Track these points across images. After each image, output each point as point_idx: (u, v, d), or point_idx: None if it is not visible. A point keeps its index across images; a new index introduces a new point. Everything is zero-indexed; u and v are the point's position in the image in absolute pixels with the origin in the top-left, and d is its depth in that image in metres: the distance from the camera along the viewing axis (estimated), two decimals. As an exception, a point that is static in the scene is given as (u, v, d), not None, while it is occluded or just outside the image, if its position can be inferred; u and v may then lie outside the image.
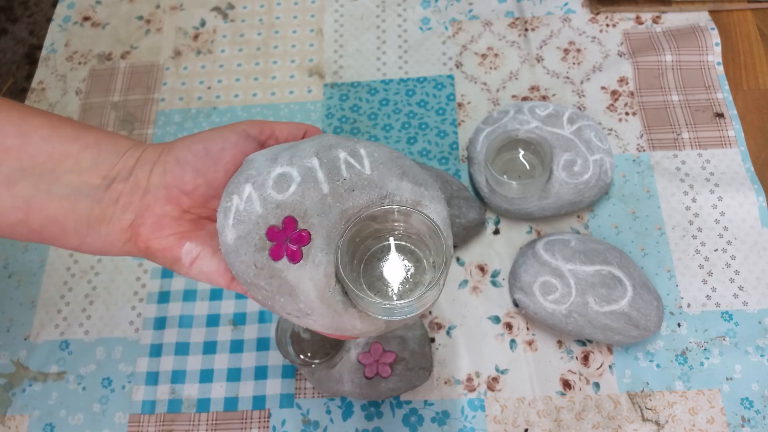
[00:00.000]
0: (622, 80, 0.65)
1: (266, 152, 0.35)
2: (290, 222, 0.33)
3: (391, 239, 0.35)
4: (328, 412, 0.53)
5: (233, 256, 0.34)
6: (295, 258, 0.32)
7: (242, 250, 0.33)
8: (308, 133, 0.39)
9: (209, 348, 0.57)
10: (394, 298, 0.34)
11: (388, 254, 0.35)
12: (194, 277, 0.36)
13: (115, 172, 0.35)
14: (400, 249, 0.35)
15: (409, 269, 0.35)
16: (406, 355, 0.50)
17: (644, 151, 0.61)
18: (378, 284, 0.34)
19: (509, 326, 0.55)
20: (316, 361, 0.50)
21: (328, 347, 0.52)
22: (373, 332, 0.34)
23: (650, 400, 0.52)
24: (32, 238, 0.36)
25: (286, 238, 0.33)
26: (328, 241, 0.32)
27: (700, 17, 0.68)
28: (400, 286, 0.34)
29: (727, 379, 0.52)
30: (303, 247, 0.32)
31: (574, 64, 0.67)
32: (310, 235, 0.33)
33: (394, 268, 0.35)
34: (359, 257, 0.35)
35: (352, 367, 0.50)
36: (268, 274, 0.33)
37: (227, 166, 0.36)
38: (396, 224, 0.35)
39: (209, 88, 0.70)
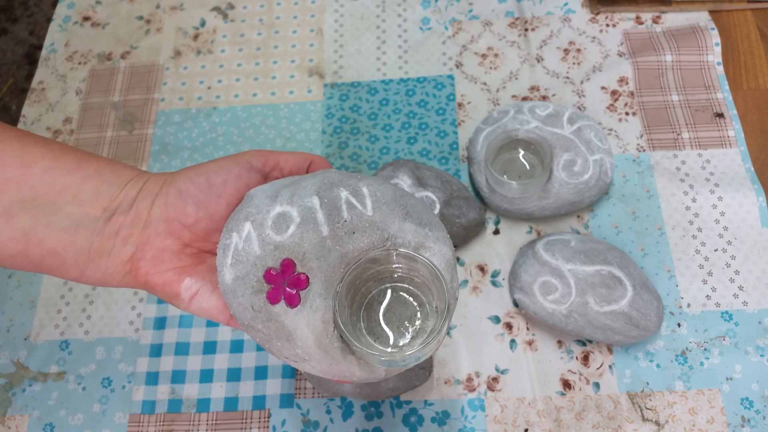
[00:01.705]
0: (622, 80, 0.65)
1: (267, 188, 0.35)
2: (288, 265, 0.32)
3: (392, 284, 0.34)
4: (328, 412, 0.53)
5: (231, 296, 0.33)
6: (292, 302, 0.32)
7: (240, 292, 0.33)
8: (314, 164, 0.38)
9: (209, 348, 0.57)
10: (395, 344, 0.33)
11: (389, 298, 0.34)
12: (193, 312, 0.36)
13: (117, 203, 0.34)
14: (401, 293, 0.34)
15: (410, 315, 0.34)
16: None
17: (644, 151, 0.61)
18: (378, 329, 0.33)
19: (509, 326, 0.55)
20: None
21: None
22: (373, 379, 0.33)
23: (650, 400, 0.52)
24: (31, 269, 0.35)
25: (284, 282, 0.32)
26: (327, 285, 0.32)
27: (700, 17, 0.68)
28: (402, 331, 0.33)
29: (727, 379, 0.52)
30: (301, 292, 0.32)
31: (574, 64, 0.67)
32: (308, 279, 0.32)
33: (395, 314, 0.34)
34: (359, 301, 0.34)
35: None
36: (265, 317, 0.32)
37: (230, 199, 0.35)
38: (398, 267, 0.34)
39: (209, 88, 0.70)
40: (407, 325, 0.33)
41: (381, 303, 0.34)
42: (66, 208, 0.34)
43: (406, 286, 0.34)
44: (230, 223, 0.34)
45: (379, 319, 0.34)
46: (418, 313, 0.34)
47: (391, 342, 0.33)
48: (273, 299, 0.32)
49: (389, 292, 0.34)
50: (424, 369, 0.52)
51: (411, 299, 0.34)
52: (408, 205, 0.34)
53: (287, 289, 0.32)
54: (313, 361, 0.32)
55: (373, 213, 0.33)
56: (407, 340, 0.33)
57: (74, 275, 0.35)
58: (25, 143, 0.35)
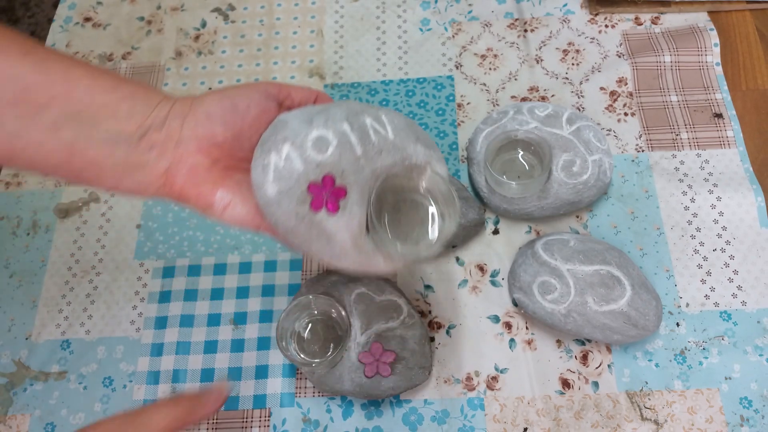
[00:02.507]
0: (621, 81, 0.65)
1: (299, 114, 0.39)
2: (329, 179, 0.38)
3: (410, 195, 0.42)
4: (329, 411, 0.54)
5: (275, 207, 0.38)
6: (333, 209, 0.37)
7: (284, 202, 0.37)
8: (319, 98, 0.43)
9: (210, 347, 0.57)
10: (414, 242, 0.41)
11: (405, 203, 0.41)
12: (226, 220, 0.40)
13: (149, 122, 0.38)
14: (418, 202, 0.42)
15: (423, 218, 0.41)
16: (406, 355, 0.51)
17: (643, 151, 0.62)
18: (400, 230, 0.41)
19: (508, 326, 0.56)
20: (317, 360, 0.50)
21: (329, 346, 0.52)
22: (394, 271, 0.44)
23: (649, 399, 0.52)
24: (71, 179, 0.40)
25: (326, 193, 0.38)
26: (362, 195, 0.38)
27: (699, 18, 0.68)
28: (416, 230, 0.41)
29: (725, 378, 0.52)
30: (340, 201, 0.38)
31: (573, 64, 0.67)
32: (346, 190, 0.38)
33: (413, 218, 0.41)
34: (386, 209, 0.40)
35: (352, 367, 0.50)
36: (308, 223, 0.38)
37: (252, 121, 0.39)
38: (415, 181, 0.41)
39: (210, 88, 0.70)
40: (422, 226, 0.41)
41: (401, 212, 0.41)
42: (105, 123, 0.37)
43: (420, 198, 0.42)
44: (267, 145, 0.38)
45: (401, 222, 0.41)
46: (431, 218, 0.41)
47: (411, 240, 0.41)
48: (316, 207, 0.37)
49: (409, 202, 0.42)
50: (424, 368, 0.52)
51: (424, 208, 0.42)
52: (417, 132, 0.41)
53: (330, 198, 0.38)
54: (349, 258, 0.39)
55: (394, 137, 0.39)
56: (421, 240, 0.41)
57: (111, 184, 0.39)
58: (68, 64, 0.38)
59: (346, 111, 0.39)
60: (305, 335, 0.53)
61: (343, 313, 0.51)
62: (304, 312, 0.53)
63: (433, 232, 0.41)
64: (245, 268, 0.60)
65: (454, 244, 0.58)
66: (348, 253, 0.39)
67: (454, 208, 0.40)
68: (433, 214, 0.41)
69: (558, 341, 0.54)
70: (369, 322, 0.51)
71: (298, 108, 0.41)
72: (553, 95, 0.65)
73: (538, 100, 0.65)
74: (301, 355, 0.51)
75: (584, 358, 0.54)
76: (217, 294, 0.59)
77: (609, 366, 0.53)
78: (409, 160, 0.39)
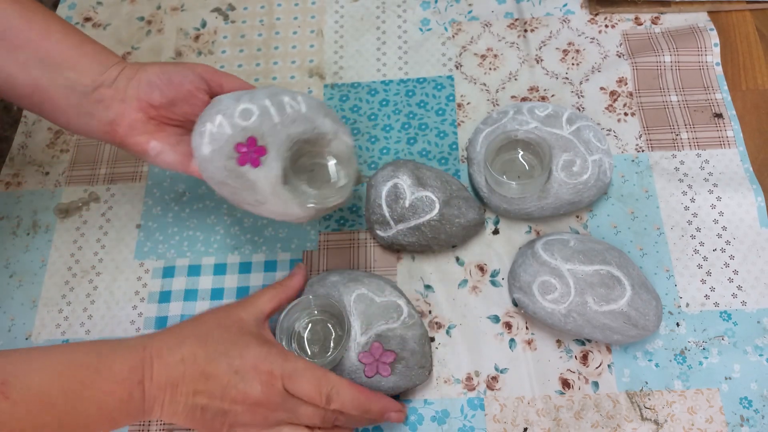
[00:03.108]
0: (621, 81, 0.65)
1: (230, 95, 0.49)
2: (252, 140, 0.47)
3: (318, 159, 0.52)
4: (328, 411, 0.54)
5: (208, 163, 0.47)
6: (255, 164, 0.47)
7: (216, 159, 0.47)
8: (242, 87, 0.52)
9: (210, 347, 0.57)
10: (320, 193, 0.51)
11: (317, 166, 0.52)
12: (158, 164, 0.50)
13: (102, 79, 0.47)
14: (323, 164, 0.52)
15: (329, 177, 0.52)
16: (406, 355, 0.51)
17: (643, 151, 0.62)
18: (311, 184, 0.51)
19: (508, 326, 0.56)
20: (317, 360, 0.50)
21: (329, 346, 0.52)
22: (307, 218, 0.49)
23: (649, 399, 0.52)
24: (32, 110, 0.50)
25: (250, 151, 0.47)
26: (279, 153, 0.48)
27: (699, 18, 0.68)
28: (324, 186, 0.51)
29: (725, 378, 0.52)
30: (261, 157, 0.47)
31: (573, 64, 0.67)
32: (266, 149, 0.47)
33: (319, 175, 0.52)
34: (300, 167, 0.51)
35: (352, 367, 0.50)
36: (235, 175, 0.47)
37: (184, 94, 0.49)
38: (322, 145, 0.51)
39: (210, 88, 0.70)
40: (327, 182, 0.51)
41: (311, 170, 0.52)
42: (66, 72, 0.47)
43: (326, 161, 0.52)
44: (203, 117, 0.48)
45: (310, 178, 0.51)
46: (335, 175, 0.52)
47: (317, 190, 0.51)
48: (242, 162, 0.47)
49: (317, 163, 0.52)
50: (424, 368, 0.52)
51: (328, 168, 0.52)
52: (327, 110, 0.51)
53: (252, 155, 0.47)
54: (269, 204, 0.48)
55: (306, 110, 0.49)
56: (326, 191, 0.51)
57: (63, 122, 0.49)
58: (48, 17, 0.48)
59: (269, 92, 0.49)
60: (305, 335, 0.53)
61: (344, 313, 0.51)
62: (304, 312, 0.53)
63: (335, 184, 0.51)
64: (245, 268, 0.60)
65: (454, 243, 0.58)
66: (268, 198, 0.48)
67: (354, 167, 0.51)
68: (337, 171, 0.52)
69: (558, 341, 0.54)
70: (369, 322, 0.51)
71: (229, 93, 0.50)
72: (553, 95, 0.65)
73: (538, 100, 0.65)
74: (301, 355, 0.51)
75: (584, 358, 0.54)
76: (217, 294, 0.59)
77: (609, 366, 0.53)
78: (318, 129, 0.49)
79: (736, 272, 0.56)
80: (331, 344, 0.52)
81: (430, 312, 0.57)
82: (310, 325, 0.53)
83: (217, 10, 0.75)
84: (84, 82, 0.47)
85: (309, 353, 0.52)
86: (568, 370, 0.53)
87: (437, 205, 0.55)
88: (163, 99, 0.48)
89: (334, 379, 0.46)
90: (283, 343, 0.50)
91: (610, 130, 0.63)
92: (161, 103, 0.48)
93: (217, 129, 0.47)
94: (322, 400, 0.45)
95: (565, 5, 0.71)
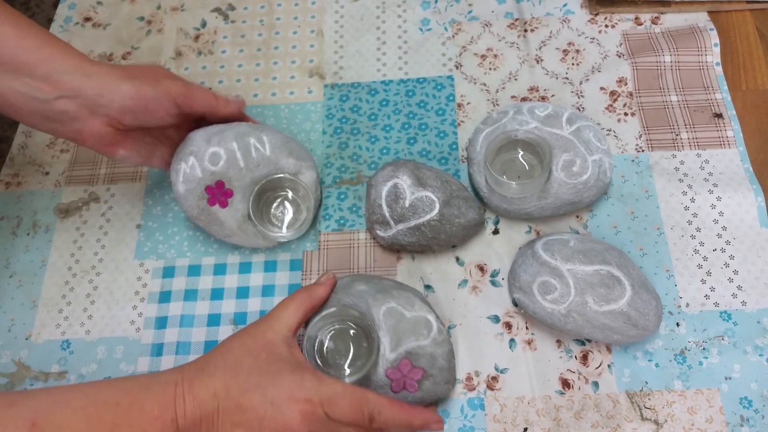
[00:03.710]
0: (621, 81, 0.65)
1: (202, 133, 0.56)
2: (220, 184, 0.55)
3: (282, 194, 0.59)
4: (328, 411, 0.54)
5: (184, 200, 0.55)
6: (223, 205, 0.55)
7: (190, 198, 0.55)
8: (219, 104, 0.56)
9: (210, 347, 0.57)
10: (281, 227, 0.59)
11: (279, 203, 0.59)
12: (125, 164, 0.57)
13: (64, 88, 0.46)
14: (285, 200, 0.59)
15: (289, 211, 0.59)
16: (434, 372, 0.50)
17: (643, 151, 0.62)
18: (274, 220, 0.59)
19: (508, 326, 0.56)
20: (346, 378, 0.49)
21: (350, 356, 0.51)
22: (268, 245, 0.58)
23: (649, 399, 0.52)
24: None
25: (218, 193, 0.55)
26: (244, 195, 0.56)
27: (699, 18, 0.68)
28: (288, 219, 0.59)
29: (725, 378, 0.52)
30: (228, 199, 0.55)
31: (573, 64, 0.67)
32: (232, 192, 0.56)
33: (282, 210, 0.59)
34: (263, 203, 0.58)
35: (379, 382, 0.50)
36: (206, 213, 0.56)
37: (156, 120, 0.51)
38: (283, 184, 0.58)
39: (210, 88, 0.70)
40: (289, 216, 0.59)
41: (275, 207, 0.59)
42: (23, 79, 0.45)
43: (290, 196, 0.59)
44: (179, 155, 0.55)
45: (274, 214, 0.59)
46: (296, 211, 0.59)
47: (280, 225, 0.59)
48: (211, 203, 0.55)
49: (280, 200, 0.59)
50: (449, 383, 0.51)
51: (291, 203, 0.59)
52: (291, 147, 0.58)
53: (220, 197, 0.55)
54: (236, 237, 0.57)
55: (270, 153, 0.57)
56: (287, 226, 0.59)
57: (30, 124, 0.48)
58: (4, 16, 0.45)
59: (235, 132, 0.56)
60: (327, 344, 0.52)
61: (374, 328, 0.50)
62: (328, 321, 0.52)
63: (294, 220, 0.59)
64: (245, 268, 0.60)
65: (454, 243, 0.58)
66: (235, 233, 0.56)
67: (310, 202, 0.58)
68: (298, 205, 0.59)
69: (558, 341, 0.54)
70: (399, 338, 0.50)
71: (202, 128, 0.56)
72: (553, 95, 0.65)
73: (538, 100, 0.65)
74: (328, 372, 0.50)
75: (584, 358, 0.54)
76: (217, 294, 0.59)
77: (609, 366, 0.53)
78: (281, 170, 0.57)
79: (736, 272, 0.56)
80: (357, 359, 0.51)
81: (430, 312, 0.57)
82: (332, 331, 0.52)
83: (217, 10, 0.75)
84: (44, 89, 0.45)
85: (331, 364, 0.51)
86: (568, 370, 0.53)
87: (437, 205, 0.55)
88: (135, 123, 0.50)
89: (374, 398, 0.44)
90: (306, 354, 0.48)
91: (610, 130, 0.63)
92: (131, 125, 0.50)
93: (190, 170, 0.54)
94: (365, 420, 0.43)
95: (565, 5, 0.71)
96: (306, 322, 0.50)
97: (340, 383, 0.44)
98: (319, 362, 0.50)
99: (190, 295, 0.59)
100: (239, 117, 0.59)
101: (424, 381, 0.49)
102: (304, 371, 0.44)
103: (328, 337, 0.52)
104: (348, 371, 0.50)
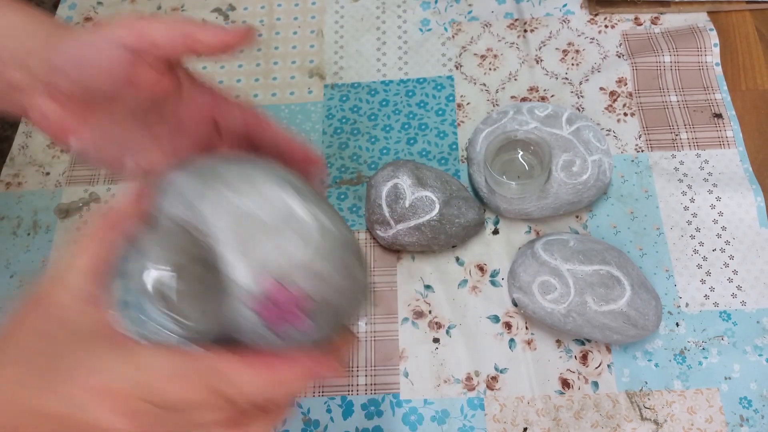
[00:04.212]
0: (621, 81, 0.65)
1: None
2: None
3: None
4: (329, 411, 0.54)
5: None
6: None
7: None
8: (195, 45, 0.37)
9: (210, 347, 0.57)
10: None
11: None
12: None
13: (13, 56, 0.35)
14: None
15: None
16: (329, 297, 0.31)
17: (643, 151, 0.62)
18: None
19: (508, 325, 0.56)
20: (189, 326, 0.30)
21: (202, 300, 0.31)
22: None
23: (649, 399, 0.52)
24: None
25: None
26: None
27: (699, 18, 0.68)
28: None
29: (725, 378, 0.52)
30: None
31: (572, 65, 0.67)
32: None
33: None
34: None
35: (249, 325, 0.31)
36: None
37: (99, 77, 0.34)
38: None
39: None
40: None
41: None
42: None
43: None
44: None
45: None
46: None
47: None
48: None
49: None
50: (354, 298, 0.34)
51: None
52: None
53: None
54: None
55: None
56: None
57: None
58: None
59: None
60: (169, 286, 0.30)
61: (213, 249, 0.31)
62: (150, 254, 0.31)
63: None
64: (245, 268, 0.60)
65: (454, 243, 0.58)
66: None
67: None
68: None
69: (558, 341, 0.54)
70: (259, 253, 0.30)
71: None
72: (552, 95, 0.66)
73: (538, 101, 0.65)
74: (171, 325, 0.30)
75: (584, 358, 0.54)
76: (217, 294, 0.59)
77: (609, 366, 0.53)
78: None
79: (735, 272, 0.56)
80: (205, 300, 0.31)
81: (430, 312, 0.57)
82: (167, 265, 0.31)
83: (217, 10, 0.75)
84: None
85: (180, 313, 0.30)
86: (568, 370, 0.53)
87: (437, 205, 0.55)
88: (75, 87, 0.34)
89: (216, 364, 0.30)
90: (130, 310, 0.30)
91: (609, 131, 0.63)
92: (73, 91, 0.34)
93: None
94: (215, 400, 0.30)
95: (565, 5, 0.71)
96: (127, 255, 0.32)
97: (166, 357, 0.30)
98: (158, 317, 0.30)
99: (191, 295, 0.59)
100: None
101: (315, 309, 0.31)
102: (113, 350, 0.30)
103: (170, 274, 0.31)
104: (189, 327, 0.30)
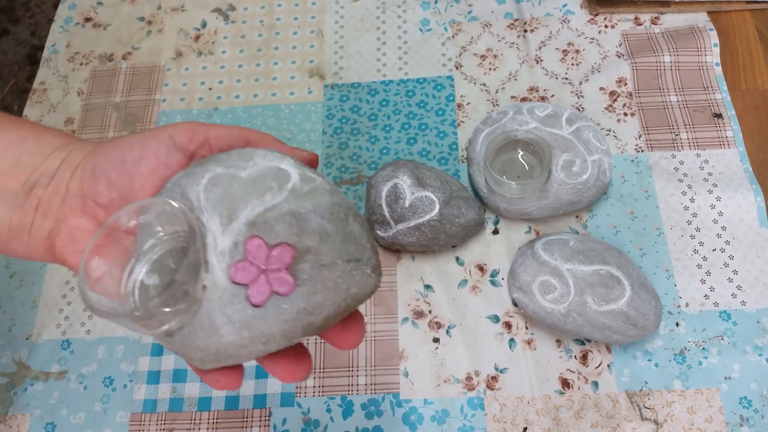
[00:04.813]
0: (621, 81, 0.65)
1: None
2: None
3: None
4: (329, 410, 0.54)
5: None
6: None
7: None
8: (251, 143, 0.33)
9: (210, 347, 0.57)
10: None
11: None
12: (98, 292, 0.30)
13: (37, 176, 0.31)
14: None
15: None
16: (313, 242, 0.27)
17: (642, 151, 0.62)
18: None
19: (508, 325, 0.56)
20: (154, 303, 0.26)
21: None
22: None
23: (649, 399, 0.52)
24: None
25: None
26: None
27: (699, 18, 0.68)
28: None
29: (725, 378, 0.52)
30: None
31: (572, 65, 0.67)
32: None
33: None
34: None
35: (225, 297, 0.27)
36: None
37: (143, 180, 0.31)
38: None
39: (210, 89, 0.70)
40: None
41: None
42: None
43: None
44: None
45: None
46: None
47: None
48: None
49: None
50: (360, 262, 0.29)
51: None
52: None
53: None
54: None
55: None
56: None
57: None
58: None
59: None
60: (149, 282, 0.30)
61: (184, 213, 0.28)
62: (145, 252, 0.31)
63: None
64: (245, 268, 0.60)
65: (454, 243, 0.58)
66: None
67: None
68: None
69: (558, 341, 0.55)
70: (232, 209, 0.28)
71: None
72: (552, 95, 0.66)
73: (538, 100, 0.65)
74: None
75: (584, 357, 0.54)
76: (217, 294, 0.59)
77: (609, 366, 0.53)
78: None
79: (735, 272, 0.56)
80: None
81: (430, 312, 0.57)
82: (150, 262, 0.31)
83: (217, 10, 0.75)
84: (11, 187, 0.31)
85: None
86: (568, 369, 0.53)
87: (437, 205, 0.55)
88: (113, 193, 0.31)
89: None
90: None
91: (609, 130, 0.63)
92: (111, 199, 0.31)
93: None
94: None
95: (565, 5, 0.71)
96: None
97: None
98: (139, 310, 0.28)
99: (191, 295, 0.59)
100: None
101: (301, 265, 0.27)
102: None
103: (143, 271, 0.31)
104: (144, 305, 0.27)
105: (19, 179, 0.31)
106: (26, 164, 0.31)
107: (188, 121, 0.34)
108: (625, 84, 0.65)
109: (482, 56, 0.69)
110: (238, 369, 0.30)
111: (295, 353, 0.30)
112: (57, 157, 0.32)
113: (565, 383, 0.53)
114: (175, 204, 0.28)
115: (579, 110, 0.64)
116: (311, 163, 0.34)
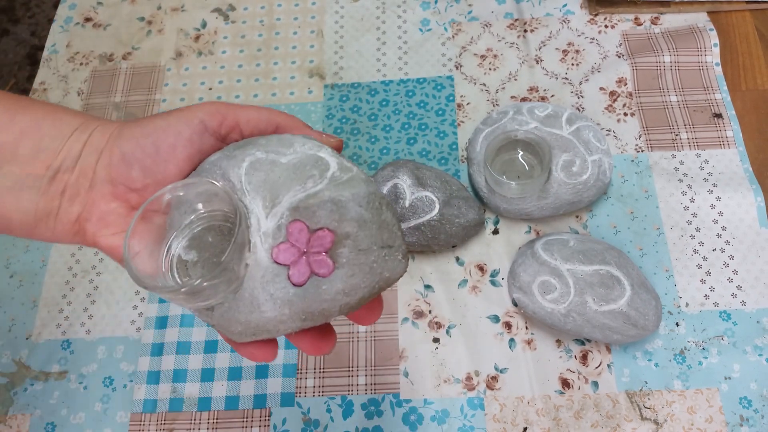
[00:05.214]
0: (621, 81, 0.65)
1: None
2: None
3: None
4: (329, 410, 0.54)
5: None
6: None
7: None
8: (280, 127, 0.34)
9: (210, 347, 0.57)
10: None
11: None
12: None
13: (60, 160, 0.31)
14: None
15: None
16: (351, 228, 0.30)
17: (642, 151, 0.62)
18: None
19: (508, 325, 0.56)
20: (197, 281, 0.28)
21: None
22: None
23: (649, 399, 0.52)
24: None
25: None
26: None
27: (699, 18, 0.68)
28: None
29: (725, 378, 0.52)
30: None
31: (572, 65, 0.67)
32: None
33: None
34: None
35: (267, 276, 0.29)
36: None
37: (180, 165, 0.32)
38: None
39: (210, 89, 0.70)
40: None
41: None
42: (5, 168, 0.31)
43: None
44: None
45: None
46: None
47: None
48: None
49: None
50: (392, 248, 0.31)
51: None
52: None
53: None
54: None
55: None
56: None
57: (23, 235, 0.33)
58: None
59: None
60: (187, 258, 0.32)
61: (229, 195, 0.30)
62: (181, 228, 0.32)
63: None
64: (245, 268, 0.60)
65: (454, 243, 0.58)
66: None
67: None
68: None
69: (558, 341, 0.55)
70: (275, 194, 0.30)
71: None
72: (552, 95, 0.66)
73: (538, 101, 0.65)
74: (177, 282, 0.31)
75: (584, 357, 0.54)
76: (217, 294, 0.59)
77: (609, 366, 0.53)
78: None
79: (735, 272, 0.56)
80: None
81: (430, 312, 0.57)
82: (188, 237, 0.32)
83: (217, 10, 0.75)
84: (35, 173, 0.31)
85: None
86: (568, 369, 0.53)
87: (437, 205, 0.55)
88: (148, 179, 0.32)
89: None
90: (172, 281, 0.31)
91: (609, 131, 0.63)
92: (145, 184, 0.32)
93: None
94: None
95: (565, 5, 0.71)
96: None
97: None
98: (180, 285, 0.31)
99: (191, 295, 0.59)
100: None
101: (340, 249, 0.29)
102: None
103: (181, 246, 0.32)
104: (191, 282, 0.28)
105: (43, 165, 0.31)
106: (47, 148, 0.31)
107: (213, 101, 0.33)
108: (625, 84, 0.65)
109: (482, 56, 0.69)
110: (272, 342, 0.32)
111: (320, 328, 0.32)
112: (78, 140, 0.32)
113: (565, 383, 0.53)
114: (219, 184, 0.30)
115: (579, 110, 0.64)
116: (338, 148, 0.35)
